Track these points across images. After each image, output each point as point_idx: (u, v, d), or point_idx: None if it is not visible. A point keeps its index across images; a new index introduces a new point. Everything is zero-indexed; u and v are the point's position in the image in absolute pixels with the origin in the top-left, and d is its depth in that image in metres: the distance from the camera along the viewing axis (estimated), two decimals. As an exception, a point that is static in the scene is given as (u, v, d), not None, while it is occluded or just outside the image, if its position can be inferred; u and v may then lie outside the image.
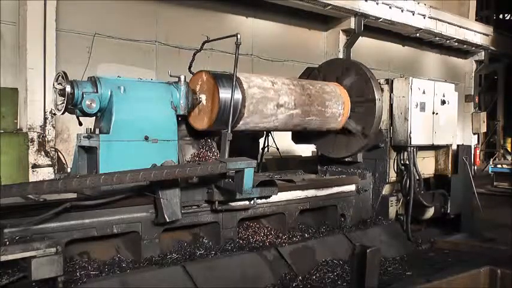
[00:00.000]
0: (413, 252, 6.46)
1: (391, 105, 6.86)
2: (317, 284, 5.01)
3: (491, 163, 15.43)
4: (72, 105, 4.72)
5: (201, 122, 5.41)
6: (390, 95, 6.85)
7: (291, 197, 5.98)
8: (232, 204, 5.26)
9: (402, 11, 13.71)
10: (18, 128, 8.26)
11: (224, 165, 4.65)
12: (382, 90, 6.70)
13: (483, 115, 18.64)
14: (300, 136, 7.30)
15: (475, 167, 15.56)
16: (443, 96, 7.16)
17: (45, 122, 8.22)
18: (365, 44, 13.78)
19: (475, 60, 18.48)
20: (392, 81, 6.87)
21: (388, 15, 13.31)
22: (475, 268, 4.53)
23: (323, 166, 7.29)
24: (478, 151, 17.93)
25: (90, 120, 5.00)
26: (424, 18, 14.55)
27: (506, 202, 10.60)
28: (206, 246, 5.17)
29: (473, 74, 18.60)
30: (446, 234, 7.38)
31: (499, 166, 14.26)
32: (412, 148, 6.80)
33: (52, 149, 8.28)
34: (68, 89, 4.63)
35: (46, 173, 8.02)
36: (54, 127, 8.36)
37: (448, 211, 7.35)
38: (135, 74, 7.39)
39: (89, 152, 4.96)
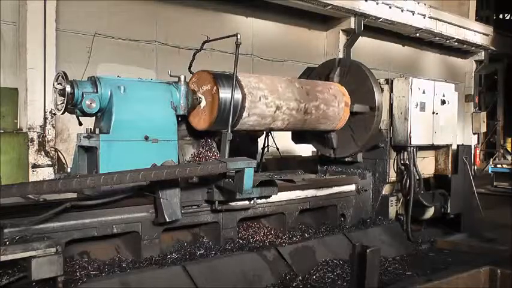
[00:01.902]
0: (413, 252, 6.46)
1: (391, 105, 6.86)
2: (317, 284, 5.01)
3: (491, 163, 15.44)
4: (72, 105, 4.73)
5: (201, 122, 5.41)
6: (390, 94, 6.86)
7: (291, 197, 5.98)
8: (232, 204, 5.26)
9: (402, 11, 13.72)
10: (18, 128, 8.26)
11: (224, 165, 4.65)
12: (382, 90, 6.71)
13: (483, 115, 18.64)
14: (300, 136, 7.31)
15: (475, 167, 15.57)
16: (443, 96, 7.16)
17: (45, 122, 8.22)
18: (365, 44, 13.78)
19: (475, 60, 18.48)
20: (392, 81, 6.88)
21: (388, 15, 13.31)
22: (475, 268, 4.53)
23: (323, 166, 7.29)
24: (478, 151, 17.94)
25: (90, 120, 5.00)
26: (424, 18, 14.55)
27: (506, 202, 10.60)
28: (206, 246, 5.17)
29: (473, 74, 18.60)
30: (446, 234, 7.39)
31: (499, 166, 14.27)
32: (412, 148, 6.80)
33: (52, 149, 8.28)
34: (68, 89, 4.63)
35: (46, 173, 8.02)
36: (54, 127, 8.36)
37: (448, 211, 7.35)
38: (135, 74, 7.39)
39: (89, 152, 4.96)
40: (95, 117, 4.95)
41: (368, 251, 3.67)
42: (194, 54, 6.06)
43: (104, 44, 9.43)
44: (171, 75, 5.31)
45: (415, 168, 6.86)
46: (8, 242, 3.69)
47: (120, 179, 4.00)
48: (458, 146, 7.65)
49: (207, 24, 10.44)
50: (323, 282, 5.06)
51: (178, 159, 5.24)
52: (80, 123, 5.06)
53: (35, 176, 7.90)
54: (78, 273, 4.20)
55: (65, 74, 4.70)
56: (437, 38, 15.77)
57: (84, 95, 4.64)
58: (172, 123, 5.14)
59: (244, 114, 5.47)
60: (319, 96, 6.31)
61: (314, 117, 6.26)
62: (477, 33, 17.11)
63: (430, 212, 7.21)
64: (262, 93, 5.63)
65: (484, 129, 18.81)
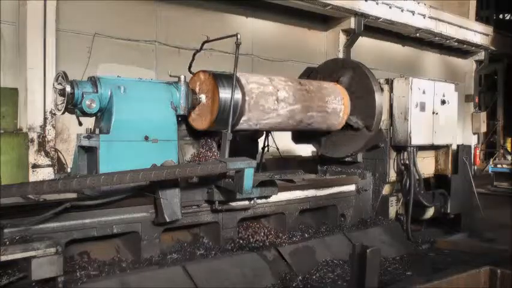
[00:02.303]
0: (413, 252, 6.47)
1: (391, 105, 6.86)
2: (317, 284, 5.01)
3: (491, 163, 15.45)
4: (72, 105, 4.73)
5: (201, 122, 5.41)
6: (390, 95, 6.86)
7: (291, 197, 5.98)
8: (232, 204, 5.26)
9: (402, 11, 13.72)
10: (18, 128, 8.26)
11: (224, 165, 4.65)
12: (382, 90, 6.71)
13: (483, 115, 18.63)
14: (300, 136, 7.31)
15: (475, 167, 15.58)
16: (443, 96, 7.17)
17: (45, 122, 8.21)
18: (365, 44, 13.78)
19: (475, 60, 18.47)
20: (392, 81, 6.88)
21: (388, 15, 13.31)
22: (475, 268, 4.53)
23: (323, 166, 7.29)
24: (478, 151, 17.94)
25: (90, 120, 5.00)
26: (424, 18, 14.55)
27: (506, 202, 10.60)
28: (206, 246, 5.17)
29: (473, 74, 18.59)
30: (446, 234, 7.39)
31: (499, 166, 14.28)
32: (412, 148, 6.80)
33: (52, 149, 8.27)
34: (68, 89, 4.63)
35: (46, 173, 8.01)
36: (54, 127, 8.36)
37: (448, 211, 7.36)
38: (135, 74, 7.39)
39: (89, 152, 4.96)
40: (95, 117, 4.95)
41: (368, 251, 3.67)
42: (194, 55, 6.06)
43: (104, 44, 9.43)
44: (171, 75, 5.31)
45: (415, 168, 6.87)
46: (8, 242, 3.69)
47: (120, 179, 4.00)
48: (458, 146, 7.65)
49: (207, 24, 10.44)
50: (323, 282, 5.07)
51: (178, 159, 5.24)
52: (80, 123, 5.06)
53: (35, 176, 7.90)
54: (78, 273, 4.20)
55: (65, 74, 4.71)
56: (437, 38, 15.76)
57: (84, 95, 4.64)
58: (172, 123, 5.14)
59: (245, 114, 5.47)
60: (320, 95, 6.38)
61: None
62: (477, 33, 17.10)
63: (430, 212, 7.22)
64: (262, 93, 5.64)
65: (484, 129, 18.79)
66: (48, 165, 8.14)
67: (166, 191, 4.63)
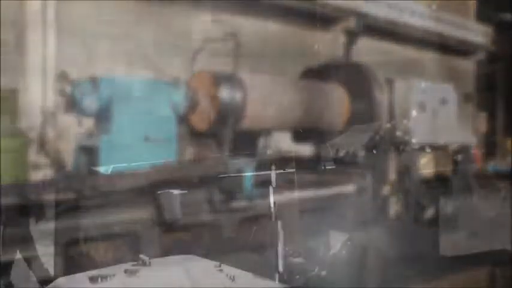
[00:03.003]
0: (413, 252, 6.46)
1: (391, 106, 6.86)
2: (318, 283, 5.01)
3: (491, 163, 15.44)
4: (72, 105, 4.73)
5: (201, 122, 5.41)
6: (391, 95, 6.86)
7: (291, 197, 5.98)
8: (233, 204, 5.26)
9: (402, 10, 13.72)
10: (18, 128, 8.26)
11: (224, 165, 4.65)
12: (382, 90, 6.71)
13: (483, 115, 18.63)
14: (300, 136, 7.30)
15: (475, 167, 15.55)
16: (443, 96, 7.17)
17: (45, 122, 8.20)
18: (365, 44, 13.76)
19: (475, 60, 18.46)
20: (392, 81, 6.88)
21: (388, 15, 13.30)
22: (475, 268, 4.53)
23: (323, 166, 7.28)
24: (478, 151, 17.93)
25: (90, 120, 5.00)
26: (424, 18, 14.55)
27: (506, 202, 10.59)
28: (206, 246, 5.17)
29: (473, 74, 18.59)
30: (446, 235, 7.38)
31: (499, 166, 14.28)
32: (412, 148, 6.80)
33: (52, 149, 8.27)
34: (68, 89, 4.63)
35: (46, 173, 8.01)
36: (54, 127, 8.34)
37: (448, 211, 7.35)
38: (135, 74, 7.37)
39: (89, 152, 4.96)
40: (95, 117, 4.95)
41: (368, 250, 3.68)
42: (194, 55, 6.06)
43: (104, 44, 9.42)
44: (171, 76, 5.31)
45: (415, 168, 6.86)
46: (8, 242, 3.69)
47: (120, 179, 4.01)
48: (458, 146, 7.65)
49: (207, 24, 10.43)
50: (323, 281, 5.07)
51: (178, 159, 5.24)
52: (80, 123, 5.06)
53: (35, 176, 7.89)
54: (78, 273, 4.20)
55: (65, 74, 4.71)
56: (437, 38, 15.75)
57: (84, 95, 4.64)
58: (172, 123, 5.14)
59: (245, 113, 5.47)
60: (320, 93, 6.44)
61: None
62: (477, 33, 17.10)
63: (430, 212, 7.22)
64: (263, 92, 5.66)
65: (484, 129, 18.79)
66: (48, 165, 8.13)
67: (167, 191, 4.63)
